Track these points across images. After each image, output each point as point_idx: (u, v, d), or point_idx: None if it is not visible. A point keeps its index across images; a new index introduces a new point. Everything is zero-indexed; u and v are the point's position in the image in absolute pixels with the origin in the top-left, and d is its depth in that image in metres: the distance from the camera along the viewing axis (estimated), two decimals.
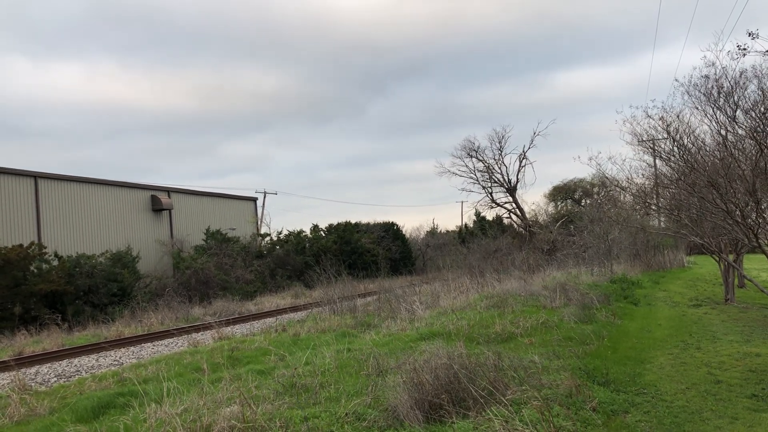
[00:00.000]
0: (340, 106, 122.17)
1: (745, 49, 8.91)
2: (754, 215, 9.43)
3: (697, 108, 10.92)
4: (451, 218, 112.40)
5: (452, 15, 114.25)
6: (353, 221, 44.32)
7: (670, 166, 13.72)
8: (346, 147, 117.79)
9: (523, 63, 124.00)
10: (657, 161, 16.04)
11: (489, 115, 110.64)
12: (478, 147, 45.79)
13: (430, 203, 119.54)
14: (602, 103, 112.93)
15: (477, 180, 46.43)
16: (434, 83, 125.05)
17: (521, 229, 46.17)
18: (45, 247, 25.19)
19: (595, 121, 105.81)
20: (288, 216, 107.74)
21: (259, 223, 46.03)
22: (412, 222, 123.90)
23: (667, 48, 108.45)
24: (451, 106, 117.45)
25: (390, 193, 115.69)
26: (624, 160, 26.84)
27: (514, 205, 46.98)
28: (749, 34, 8.68)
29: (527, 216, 46.97)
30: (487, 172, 46.11)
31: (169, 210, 35.81)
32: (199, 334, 18.20)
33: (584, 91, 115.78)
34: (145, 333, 19.31)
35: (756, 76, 9.67)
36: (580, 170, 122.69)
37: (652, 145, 14.43)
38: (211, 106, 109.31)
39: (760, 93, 9.39)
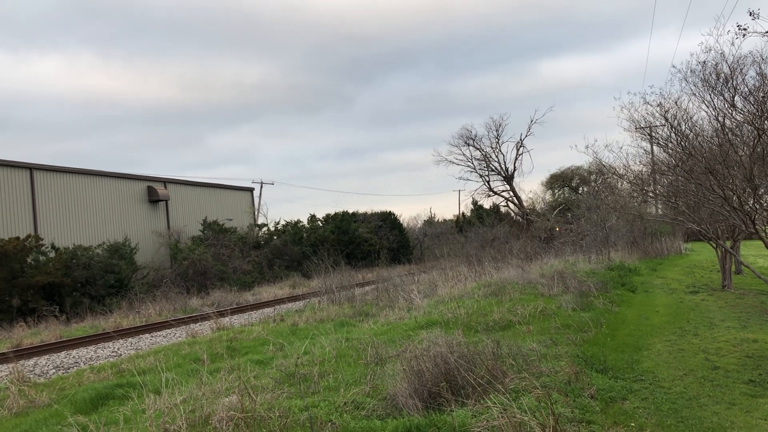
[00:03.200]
0: (328, 96, 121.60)
1: (745, 29, 8.78)
2: (751, 201, 9.41)
3: (695, 94, 10.86)
4: (448, 207, 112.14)
5: (439, 3, 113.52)
6: (350, 211, 44.14)
7: (667, 152, 13.70)
8: (336, 137, 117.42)
9: (515, 51, 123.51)
10: (654, 148, 16.04)
11: (480, 104, 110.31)
12: (475, 135, 45.86)
13: (427, 192, 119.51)
14: (596, 89, 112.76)
15: (474, 168, 46.52)
16: (422, 73, 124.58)
17: (519, 218, 46.26)
18: (42, 239, 25.12)
19: (590, 109, 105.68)
20: (283, 206, 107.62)
21: (256, 213, 45.95)
22: (410, 211, 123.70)
23: (660, 34, 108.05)
24: (439, 96, 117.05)
25: (383, 183, 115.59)
26: (621, 148, 26.80)
27: (511, 193, 47.06)
28: (750, 13, 8.53)
29: (524, 204, 47.03)
30: (485, 160, 46.18)
31: (166, 201, 35.70)
32: (197, 324, 18.21)
33: (576, 78, 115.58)
34: (143, 324, 19.32)
35: (755, 61, 9.61)
36: (575, 158, 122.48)
37: (649, 132, 14.40)
38: (195, 98, 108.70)
39: (759, 78, 9.33)
